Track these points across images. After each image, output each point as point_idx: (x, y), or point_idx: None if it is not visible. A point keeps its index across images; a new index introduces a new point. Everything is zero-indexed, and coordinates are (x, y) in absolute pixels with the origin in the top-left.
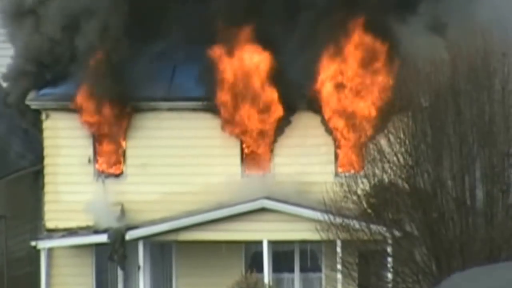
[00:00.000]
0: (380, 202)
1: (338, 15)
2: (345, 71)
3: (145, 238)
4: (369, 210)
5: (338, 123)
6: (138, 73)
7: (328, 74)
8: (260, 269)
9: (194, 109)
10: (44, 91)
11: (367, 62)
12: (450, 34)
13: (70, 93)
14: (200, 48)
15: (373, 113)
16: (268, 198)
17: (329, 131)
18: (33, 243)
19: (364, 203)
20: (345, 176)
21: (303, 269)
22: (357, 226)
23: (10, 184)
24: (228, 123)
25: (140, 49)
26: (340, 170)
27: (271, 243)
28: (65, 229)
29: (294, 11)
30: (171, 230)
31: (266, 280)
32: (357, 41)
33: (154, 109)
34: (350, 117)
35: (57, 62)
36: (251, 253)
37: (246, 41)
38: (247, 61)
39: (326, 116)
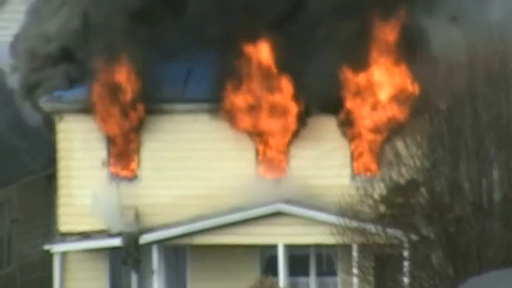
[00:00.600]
0: (403, 202)
1: (356, 17)
2: (361, 73)
3: (159, 242)
4: (391, 211)
5: (355, 126)
6: (153, 75)
7: (345, 77)
8: (276, 273)
9: (209, 111)
10: (58, 93)
11: (384, 65)
12: (467, 36)
13: (84, 95)
14: (215, 50)
15: (390, 115)
16: (283, 201)
17: (345, 134)
18: (46, 247)
19: (382, 204)
20: (361, 180)
21: (318, 273)
22: (373, 230)
23: (23, 187)
24: (243, 125)
25: (155, 50)
26: (356, 173)
27: (287, 247)
28: (78, 233)
29: (311, 12)
30: (186, 234)
31: (281, 284)
32: (375, 43)
33: (168, 112)
34: (366, 120)
35: (72, 62)
36: (266, 257)
37: (263, 43)
38: (263, 63)
39: (342, 119)
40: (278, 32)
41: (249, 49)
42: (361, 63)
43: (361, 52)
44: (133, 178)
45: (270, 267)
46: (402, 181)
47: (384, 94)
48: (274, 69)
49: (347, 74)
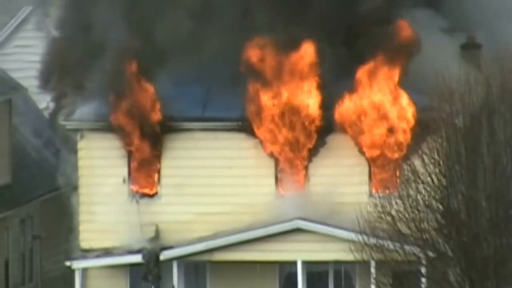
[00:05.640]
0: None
1: (369, 37)
2: (377, 92)
3: (179, 258)
4: None
5: (371, 144)
6: (173, 93)
7: (360, 96)
8: None
9: (228, 130)
10: (79, 111)
11: (398, 83)
12: (484, 55)
13: (105, 113)
14: (235, 68)
15: (407, 134)
16: (302, 218)
17: (363, 152)
18: (67, 263)
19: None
20: (379, 197)
21: None
22: (391, 246)
23: (45, 204)
24: (264, 143)
25: (174, 69)
26: (374, 190)
27: (305, 263)
28: (99, 249)
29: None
30: (205, 250)
31: None
32: (388, 63)
33: (188, 130)
34: (382, 139)
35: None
36: (285, 273)
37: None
38: (282, 83)
39: (359, 138)
40: None
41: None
42: (375, 82)
43: (374, 72)
44: (153, 195)
45: (288, 284)
46: (419, 198)
47: (400, 112)
48: (294, 88)
49: (362, 93)
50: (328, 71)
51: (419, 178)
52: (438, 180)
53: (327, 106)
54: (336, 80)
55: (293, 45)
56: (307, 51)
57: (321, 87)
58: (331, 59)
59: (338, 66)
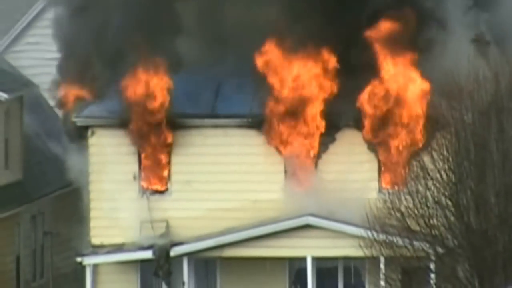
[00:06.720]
0: None
1: (381, 33)
2: (387, 89)
3: (189, 254)
4: None
5: (381, 140)
6: (183, 90)
7: (370, 92)
8: (304, 286)
9: (238, 126)
10: (90, 108)
11: (409, 80)
12: (493, 51)
13: (116, 110)
14: (246, 64)
15: (416, 130)
16: (312, 214)
17: (372, 148)
18: (78, 259)
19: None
20: (389, 193)
21: (346, 286)
22: (400, 242)
23: (56, 200)
24: (273, 139)
25: (185, 65)
26: (383, 186)
27: (315, 259)
28: (110, 245)
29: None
30: (216, 247)
31: None
32: (399, 59)
33: (198, 126)
34: (392, 135)
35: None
36: (295, 269)
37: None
38: (292, 79)
39: (368, 134)
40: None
41: (281, 66)
42: (386, 78)
43: (385, 67)
44: (163, 191)
45: (298, 280)
46: (429, 194)
47: (409, 108)
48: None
49: (373, 89)
50: (338, 66)
51: (428, 174)
52: (447, 176)
53: (336, 102)
54: (345, 75)
55: (304, 42)
56: (317, 48)
57: (331, 82)
58: (341, 54)
59: (347, 60)
